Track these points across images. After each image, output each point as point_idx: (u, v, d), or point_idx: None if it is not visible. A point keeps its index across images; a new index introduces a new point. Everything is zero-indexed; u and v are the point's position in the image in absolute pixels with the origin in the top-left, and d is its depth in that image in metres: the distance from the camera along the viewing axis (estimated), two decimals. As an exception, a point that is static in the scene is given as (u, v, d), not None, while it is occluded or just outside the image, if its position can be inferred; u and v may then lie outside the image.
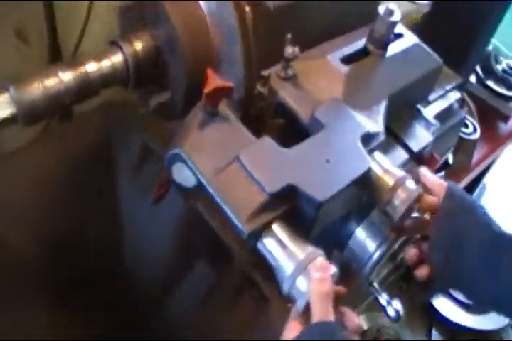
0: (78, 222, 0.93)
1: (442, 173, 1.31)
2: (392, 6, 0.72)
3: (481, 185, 1.60)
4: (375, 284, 0.83)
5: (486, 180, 1.66)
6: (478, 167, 1.44)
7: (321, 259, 0.64)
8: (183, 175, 0.67)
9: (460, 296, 1.93)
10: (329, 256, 0.88)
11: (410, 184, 0.75)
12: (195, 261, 0.97)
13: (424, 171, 0.74)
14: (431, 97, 1.00)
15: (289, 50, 0.68)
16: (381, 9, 0.73)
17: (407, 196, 0.73)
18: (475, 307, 1.93)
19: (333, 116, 0.71)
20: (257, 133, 0.79)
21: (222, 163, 0.65)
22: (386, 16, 0.73)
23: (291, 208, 0.66)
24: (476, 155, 1.42)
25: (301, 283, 0.62)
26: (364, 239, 0.81)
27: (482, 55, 1.35)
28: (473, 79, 1.52)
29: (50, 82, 0.68)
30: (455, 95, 1.06)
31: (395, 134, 0.88)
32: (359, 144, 0.70)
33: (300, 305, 0.61)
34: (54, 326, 0.94)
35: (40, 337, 0.87)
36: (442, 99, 1.03)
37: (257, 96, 0.72)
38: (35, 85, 0.67)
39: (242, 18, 0.65)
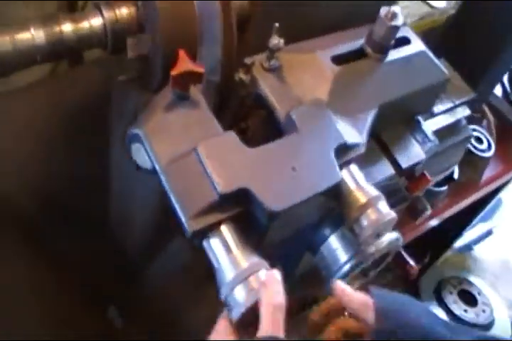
0: (67, 174, 0.91)
1: (445, 187, 1.26)
2: (396, 8, 0.66)
3: (496, 199, 1.53)
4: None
5: (503, 194, 1.59)
6: (491, 184, 1.37)
7: (264, 272, 0.60)
8: (141, 156, 0.63)
9: (458, 311, 1.89)
10: (300, 258, 0.86)
11: (383, 206, 0.70)
12: (177, 234, 0.95)
13: (341, 285, 0.65)
14: (436, 109, 0.94)
15: (274, 40, 0.63)
16: (383, 11, 0.67)
17: (377, 219, 0.69)
18: (473, 324, 1.89)
19: (311, 119, 0.66)
20: (238, 125, 0.75)
21: (181, 151, 0.61)
22: (387, 19, 0.67)
23: (245, 212, 0.62)
24: (490, 172, 1.36)
25: (239, 293, 0.58)
26: (336, 248, 0.78)
27: (509, 68, 1.28)
28: (499, 91, 1.45)
29: (21, 37, 0.65)
30: (464, 111, 1.00)
31: (385, 145, 0.83)
32: (332, 155, 0.65)
33: (235, 314, 0.58)
34: (35, 270, 0.93)
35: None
36: (449, 114, 0.98)
37: (239, 83, 0.67)
38: (5, 38, 0.64)
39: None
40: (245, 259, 0.60)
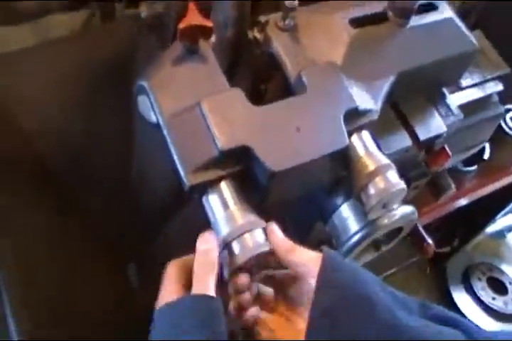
0: (93, 129, 0.92)
1: (474, 167, 1.23)
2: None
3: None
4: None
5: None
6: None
7: (260, 232, 0.60)
8: (146, 109, 0.63)
9: (486, 298, 1.85)
10: (311, 227, 0.86)
11: (392, 176, 0.69)
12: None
13: (273, 228, 0.60)
14: (464, 83, 0.91)
15: (289, -2, 0.62)
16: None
17: (384, 188, 0.67)
18: (501, 313, 1.86)
19: (322, 80, 0.64)
20: (257, 86, 0.75)
21: (185, 105, 0.61)
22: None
23: (246, 170, 0.62)
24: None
25: (233, 248, 0.59)
26: (347, 217, 0.78)
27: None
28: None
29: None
30: (496, 86, 0.97)
31: (403, 116, 0.81)
32: (340, 119, 0.63)
33: (225, 272, 0.59)
34: (58, 221, 0.96)
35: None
36: (478, 88, 0.94)
37: (252, 42, 0.67)
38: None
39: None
40: (242, 216, 0.60)
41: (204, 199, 0.62)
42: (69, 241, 0.95)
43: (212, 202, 0.61)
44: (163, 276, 0.58)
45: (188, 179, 0.59)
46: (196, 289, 0.54)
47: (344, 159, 0.68)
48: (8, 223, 0.85)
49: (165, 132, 0.61)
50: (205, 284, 0.54)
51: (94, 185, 0.99)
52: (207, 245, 0.56)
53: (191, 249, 0.60)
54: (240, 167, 0.62)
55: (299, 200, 0.80)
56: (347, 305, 0.51)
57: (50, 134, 0.90)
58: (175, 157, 0.60)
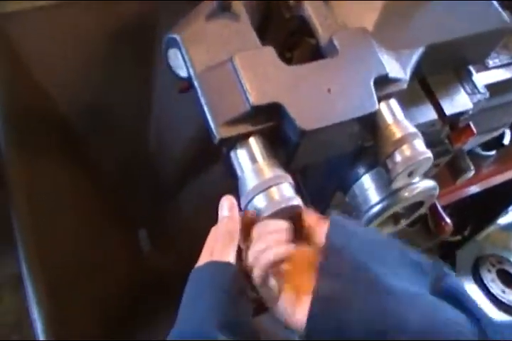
0: (109, 93, 0.93)
1: (493, 152, 1.23)
2: None
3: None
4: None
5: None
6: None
7: (287, 186, 0.61)
8: (178, 62, 0.64)
9: (495, 290, 1.84)
10: (331, 196, 0.87)
11: (419, 144, 0.69)
12: (212, 165, 0.99)
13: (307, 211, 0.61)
14: (491, 63, 0.91)
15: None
16: None
17: (411, 156, 0.68)
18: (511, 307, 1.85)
19: (353, 44, 0.65)
20: (283, 54, 0.76)
21: (217, 60, 0.62)
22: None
23: (276, 128, 0.63)
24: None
25: (259, 203, 0.60)
26: (368, 187, 0.78)
27: None
28: None
29: None
30: (523, 69, 0.97)
31: (430, 90, 0.81)
32: (371, 84, 0.64)
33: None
34: (74, 178, 0.97)
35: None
36: (505, 69, 0.94)
37: (283, 5, 0.67)
38: None
39: None
40: (270, 170, 0.61)
41: (232, 153, 0.63)
42: (82, 200, 0.96)
43: (241, 156, 0.62)
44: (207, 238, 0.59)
45: (218, 132, 0.60)
46: (215, 256, 0.55)
47: (372, 125, 0.69)
48: (25, 179, 0.86)
49: (196, 85, 0.62)
50: (225, 255, 0.55)
51: (110, 146, 1.00)
52: (228, 212, 0.57)
53: (206, 217, 0.62)
54: (270, 124, 0.62)
55: (323, 166, 0.81)
56: (350, 286, 0.52)
57: (69, 89, 0.91)
58: (206, 110, 0.61)
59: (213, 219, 0.60)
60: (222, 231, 0.55)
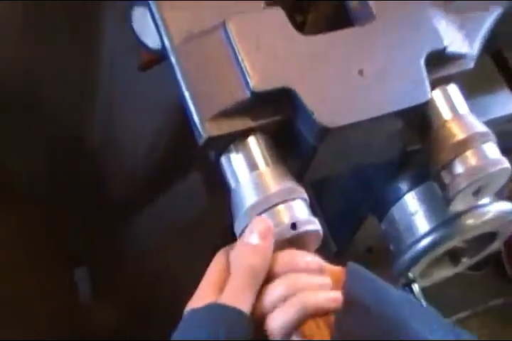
0: (40, 74, 0.97)
1: None
2: None
3: None
4: (416, 287, 0.86)
5: None
6: None
7: (300, 204, 0.65)
8: (146, 27, 0.68)
9: None
10: (361, 221, 0.90)
11: (491, 150, 0.71)
12: (185, 177, 1.03)
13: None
14: None
15: None
16: None
17: (478, 166, 0.70)
18: None
19: (397, 7, 0.69)
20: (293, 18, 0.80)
21: (203, 26, 0.65)
22: None
23: (285, 124, 0.67)
24: None
25: None
26: (415, 211, 0.82)
27: None
28: None
29: None
30: None
31: (508, 69, 0.84)
32: (421, 63, 0.67)
33: None
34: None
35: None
36: None
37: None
38: None
39: None
40: (276, 181, 0.64)
41: (224, 159, 0.67)
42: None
43: (236, 162, 0.66)
44: (208, 269, 0.64)
45: (204, 128, 0.63)
46: (226, 298, 0.58)
47: (421, 122, 0.72)
48: None
49: (173, 60, 0.65)
50: (241, 299, 0.59)
51: (39, 147, 1.05)
52: (261, 239, 0.60)
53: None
54: (277, 118, 0.66)
55: (349, 180, 0.85)
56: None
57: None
58: (187, 97, 0.64)
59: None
60: (244, 264, 0.59)
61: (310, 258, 0.62)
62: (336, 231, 0.82)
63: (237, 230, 0.64)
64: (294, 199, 0.64)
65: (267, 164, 0.65)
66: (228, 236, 0.65)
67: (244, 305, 0.57)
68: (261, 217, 0.61)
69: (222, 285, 0.60)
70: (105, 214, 1.07)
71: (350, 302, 0.60)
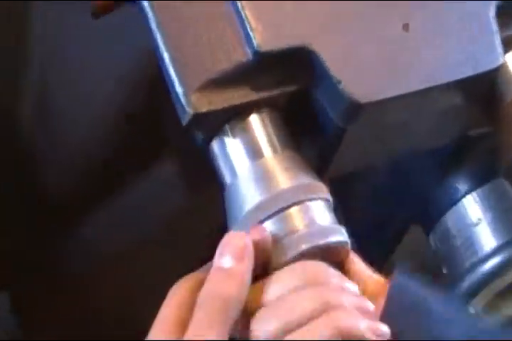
0: None
1: None
2: None
3: None
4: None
5: None
6: None
7: (321, 206, 0.65)
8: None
9: None
10: (401, 235, 0.92)
11: None
12: (152, 162, 1.03)
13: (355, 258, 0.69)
14: None
15: None
16: None
17: None
18: None
19: None
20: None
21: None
22: None
23: (300, 98, 0.68)
24: None
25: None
26: (478, 221, 0.82)
27: None
28: None
29: None
30: None
31: None
32: (490, 15, 0.69)
33: None
34: None
35: None
36: None
37: None
38: None
39: None
40: (288, 173, 0.65)
41: (216, 143, 0.68)
42: None
43: (232, 147, 0.67)
44: (164, 301, 0.64)
45: (189, 103, 0.64)
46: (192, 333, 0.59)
47: (489, 96, 0.73)
48: None
49: (148, 10, 0.66)
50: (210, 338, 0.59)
51: None
52: (235, 261, 0.60)
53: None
54: (289, 89, 0.67)
55: (385, 177, 0.86)
56: None
57: None
58: (167, 61, 0.65)
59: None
60: (213, 294, 0.59)
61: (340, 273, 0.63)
62: (365, 248, 0.77)
63: None
64: (312, 199, 0.64)
65: (275, 150, 0.66)
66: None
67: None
68: (234, 233, 0.62)
69: (184, 322, 0.60)
70: (38, 219, 1.07)
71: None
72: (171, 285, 0.64)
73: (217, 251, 0.61)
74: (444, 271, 0.84)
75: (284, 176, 0.64)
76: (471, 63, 0.68)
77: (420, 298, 0.65)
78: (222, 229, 0.65)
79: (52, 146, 1.06)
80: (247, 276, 0.60)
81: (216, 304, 0.59)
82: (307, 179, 0.65)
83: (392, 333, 0.61)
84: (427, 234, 0.85)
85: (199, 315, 0.59)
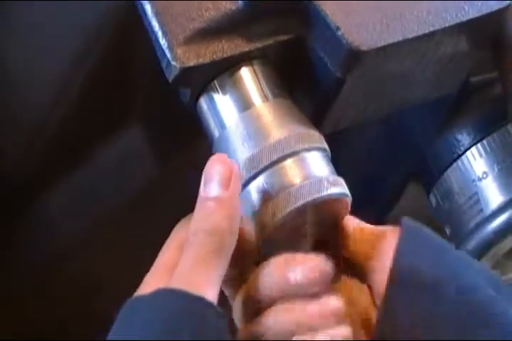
0: None
1: None
2: None
3: None
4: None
5: None
6: None
7: (317, 157, 0.67)
8: None
9: None
10: (399, 193, 0.95)
11: None
12: (117, 129, 1.04)
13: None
14: None
15: None
16: None
17: None
18: None
19: None
20: None
21: None
22: None
23: (294, 47, 0.70)
24: None
25: (258, 190, 0.66)
26: (483, 175, 0.84)
27: None
28: None
29: None
30: None
31: None
32: None
33: None
34: None
35: None
36: None
37: None
38: None
39: None
40: (281, 122, 0.67)
41: (204, 99, 0.70)
42: None
43: (222, 101, 0.69)
44: (164, 244, 0.65)
45: (176, 56, 0.66)
46: (183, 283, 0.58)
47: (497, 39, 0.75)
48: None
49: None
50: (204, 279, 0.60)
51: None
52: (221, 189, 0.61)
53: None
54: (283, 38, 0.69)
55: (382, 130, 0.89)
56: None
57: None
58: (148, 11, 0.67)
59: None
60: (201, 227, 0.60)
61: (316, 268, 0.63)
62: (362, 207, 0.78)
63: None
64: (308, 149, 0.66)
65: (266, 98, 0.68)
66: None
67: (206, 287, 0.58)
68: (217, 156, 0.63)
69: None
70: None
71: (402, 274, 0.62)
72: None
73: (202, 180, 0.62)
74: (447, 231, 0.86)
75: (276, 125, 0.66)
76: (476, 4, 0.69)
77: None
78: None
79: (6, 117, 1.06)
80: (235, 205, 0.61)
81: (205, 238, 0.60)
82: (302, 128, 0.67)
83: (407, 268, 0.62)
84: (428, 192, 0.87)
85: (187, 253, 0.60)
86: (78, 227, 1.09)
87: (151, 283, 0.60)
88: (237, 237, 0.61)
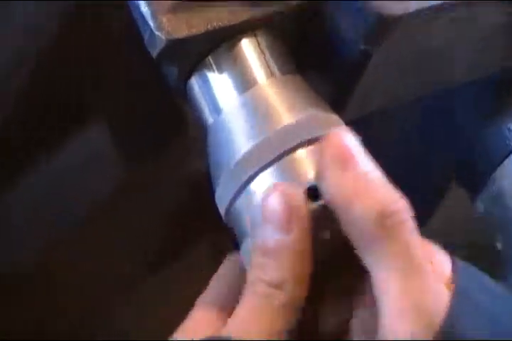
0: None
1: None
2: None
3: None
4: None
5: None
6: None
7: (339, 135, 0.61)
8: None
9: None
10: (438, 197, 0.93)
11: None
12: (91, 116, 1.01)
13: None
14: None
15: None
16: None
17: None
18: None
19: None
20: None
21: None
22: None
23: (306, 14, 0.67)
24: None
25: (265, 181, 0.61)
26: None
27: None
28: None
29: None
30: None
31: None
32: None
33: (245, 260, 0.62)
34: None
35: None
36: None
37: None
38: None
39: None
40: (290, 103, 0.63)
41: (196, 79, 0.67)
42: None
43: (217, 80, 0.66)
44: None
45: (162, 26, 0.63)
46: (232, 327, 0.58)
47: None
48: None
49: None
50: (259, 329, 0.57)
51: None
52: (279, 228, 0.58)
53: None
54: (293, 3, 0.66)
55: (415, 118, 0.86)
56: None
57: None
58: None
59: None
60: (258, 277, 0.58)
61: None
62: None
63: (220, 201, 0.64)
64: (329, 131, 0.60)
65: (271, 74, 0.65)
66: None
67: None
68: (275, 187, 0.58)
69: (230, 305, 0.60)
70: None
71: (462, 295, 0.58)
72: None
73: (248, 220, 0.60)
74: (498, 246, 0.82)
75: (285, 106, 0.63)
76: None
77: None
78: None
79: None
80: (306, 244, 0.58)
81: (261, 290, 0.58)
82: (318, 109, 0.63)
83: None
84: (473, 196, 0.84)
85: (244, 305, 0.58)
86: (43, 237, 1.07)
87: (192, 329, 0.62)
88: (307, 281, 0.58)
